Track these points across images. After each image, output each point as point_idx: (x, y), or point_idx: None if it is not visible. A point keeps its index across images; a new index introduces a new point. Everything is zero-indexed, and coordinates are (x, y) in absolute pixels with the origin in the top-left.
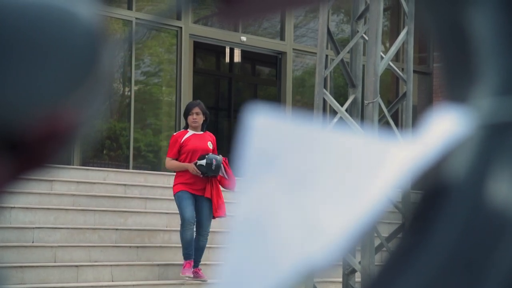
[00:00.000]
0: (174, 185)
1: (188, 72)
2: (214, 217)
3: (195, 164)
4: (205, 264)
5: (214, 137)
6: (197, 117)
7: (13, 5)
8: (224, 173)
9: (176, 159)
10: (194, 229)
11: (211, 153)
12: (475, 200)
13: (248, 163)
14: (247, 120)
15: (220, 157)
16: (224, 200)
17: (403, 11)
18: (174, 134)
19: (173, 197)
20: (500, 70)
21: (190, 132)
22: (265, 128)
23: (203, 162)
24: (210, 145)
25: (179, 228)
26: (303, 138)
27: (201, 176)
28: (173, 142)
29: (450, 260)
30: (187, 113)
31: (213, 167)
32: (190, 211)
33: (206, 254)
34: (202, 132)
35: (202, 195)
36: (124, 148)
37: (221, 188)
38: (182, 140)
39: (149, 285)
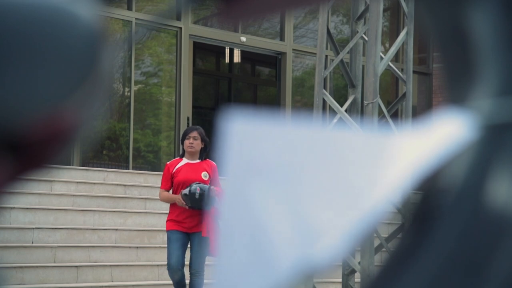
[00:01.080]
0: (166, 221)
1: (187, 72)
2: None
3: (181, 194)
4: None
5: (215, 166)
6: (194, 142)
7: (13, 5)
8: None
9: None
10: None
11: (199, 182)
12: (475, 201)
13: (231, 167)
14: (225, 125)
15: (208, 187)
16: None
17: (403, 11)
18: (167, 163)
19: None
20: (500, 71)
21: (184, 161)
22: (244, 132)
23: (187, 191)
24: (205, 176)
25: None
26: (286, 139)
27: (188, 207)
28: (165, 172)
29: (450, 261)
30: (184, 137)
31: (197, 196)
32: (175, 257)
33: None
34: (198, 161)
35: (196, 231)
36: (123, 148)
37: None
38: (174, 170)
39: (148, 286)
